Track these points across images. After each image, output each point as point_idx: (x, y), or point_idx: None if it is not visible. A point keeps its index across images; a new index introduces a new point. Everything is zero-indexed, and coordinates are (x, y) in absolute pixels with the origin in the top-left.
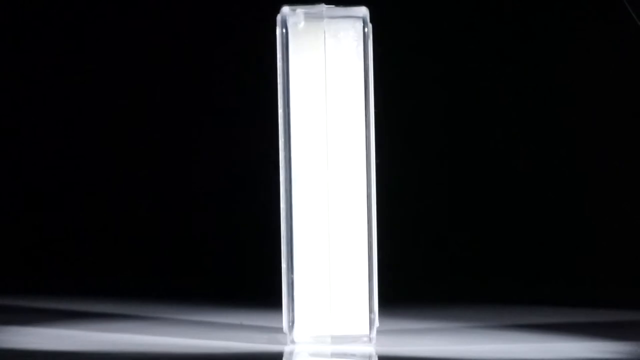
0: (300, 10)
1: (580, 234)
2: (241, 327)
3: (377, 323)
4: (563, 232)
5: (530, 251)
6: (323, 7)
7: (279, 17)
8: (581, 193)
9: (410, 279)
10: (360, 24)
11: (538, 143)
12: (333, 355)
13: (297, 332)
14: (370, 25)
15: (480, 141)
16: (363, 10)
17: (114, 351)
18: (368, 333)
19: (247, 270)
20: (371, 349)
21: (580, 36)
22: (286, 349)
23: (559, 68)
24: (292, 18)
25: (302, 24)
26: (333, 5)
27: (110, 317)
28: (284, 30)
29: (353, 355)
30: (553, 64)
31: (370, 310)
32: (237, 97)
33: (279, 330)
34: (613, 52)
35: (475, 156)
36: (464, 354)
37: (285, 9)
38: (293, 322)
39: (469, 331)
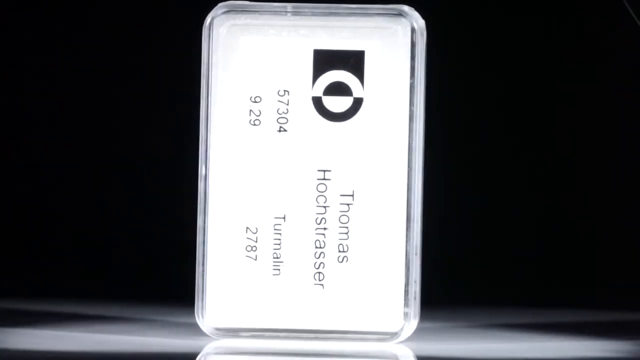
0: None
1: (580, 233)
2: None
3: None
4: (562, 232)
5: (529, 251)
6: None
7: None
8: (582, 193)
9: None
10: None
11: (544, 144)
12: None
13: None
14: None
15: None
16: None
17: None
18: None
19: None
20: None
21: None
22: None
23: (569, 70)
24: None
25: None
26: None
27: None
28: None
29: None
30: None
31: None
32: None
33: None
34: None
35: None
36: (464, 354)
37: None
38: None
39: (468, 331)
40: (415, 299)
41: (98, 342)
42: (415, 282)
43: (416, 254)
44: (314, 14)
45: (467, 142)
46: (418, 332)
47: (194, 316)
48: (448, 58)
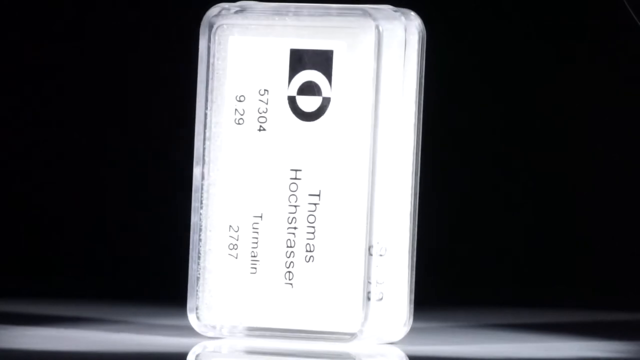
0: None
1: (579, 233)
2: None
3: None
4: (562, 232)
5: (528, 251)
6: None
7: None
8: (581, 192)
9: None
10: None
11: (538, 142)
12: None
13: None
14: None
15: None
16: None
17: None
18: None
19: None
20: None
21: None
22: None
23: (563, 70)
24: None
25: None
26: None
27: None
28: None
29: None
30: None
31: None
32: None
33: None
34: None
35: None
36: (463, 354)
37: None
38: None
39: (469, 331)
40: (380, 299)
41: (92, 341)
42: (377, 283)
43: (381, 255)
44: (309, 14)
45: (460, 143)
46: (411, 333)
47: (175, 315)
48: (446, 58)
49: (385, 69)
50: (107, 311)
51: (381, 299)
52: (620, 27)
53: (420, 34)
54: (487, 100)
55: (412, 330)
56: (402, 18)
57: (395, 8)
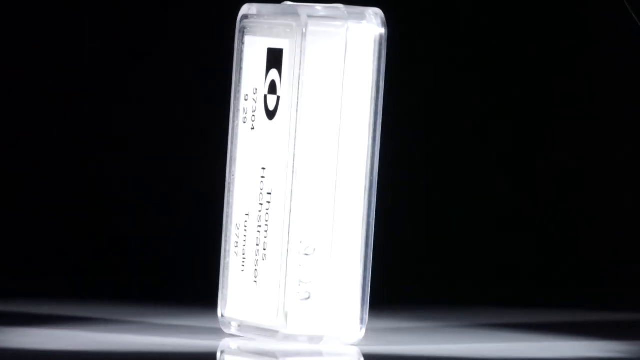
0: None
1: (579, 233)
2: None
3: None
4: (561, 232)
5: (528, 250)
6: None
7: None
8: (580, 192)
9: (400, 279)
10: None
11: (533, 141)
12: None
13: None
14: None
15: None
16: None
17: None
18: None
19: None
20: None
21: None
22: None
23: (557, 66)
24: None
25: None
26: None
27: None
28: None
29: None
30: (551, 62)
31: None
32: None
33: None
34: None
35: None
36: (464, 354)
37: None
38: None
39: (470, 331)
40: (307, 299)
41: (97, 341)
42: (301, 282)
43: (307, 254)
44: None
45: (428, 138)
46: (370, 333)
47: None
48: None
49: (317, 69)
50: (109, 311)
51: (308, 298)
52: (620, 27)
53: (378, 34)
54: (478, 100)
55: (371, 330)
56: (349, 18)
57: (349, 7)
